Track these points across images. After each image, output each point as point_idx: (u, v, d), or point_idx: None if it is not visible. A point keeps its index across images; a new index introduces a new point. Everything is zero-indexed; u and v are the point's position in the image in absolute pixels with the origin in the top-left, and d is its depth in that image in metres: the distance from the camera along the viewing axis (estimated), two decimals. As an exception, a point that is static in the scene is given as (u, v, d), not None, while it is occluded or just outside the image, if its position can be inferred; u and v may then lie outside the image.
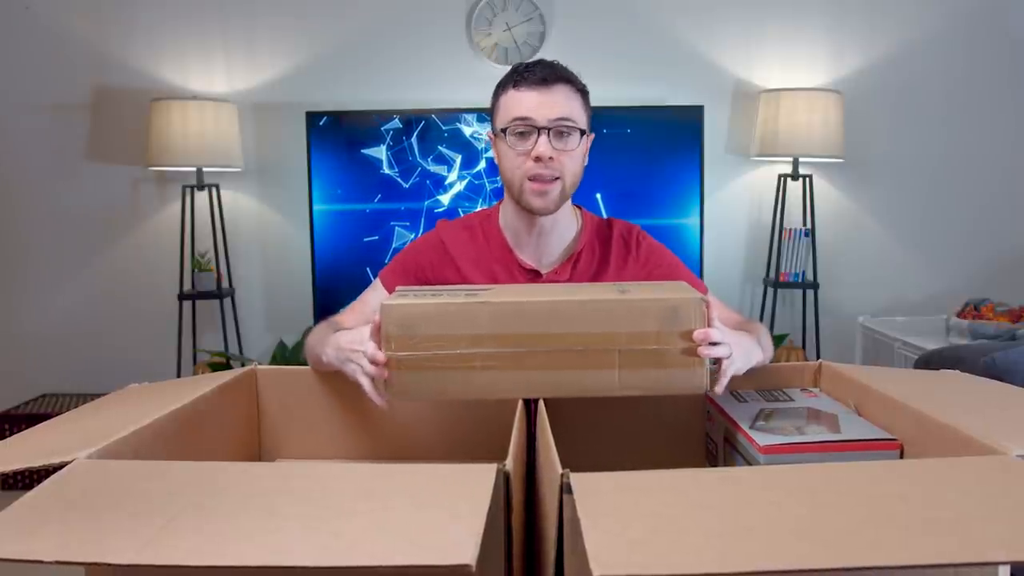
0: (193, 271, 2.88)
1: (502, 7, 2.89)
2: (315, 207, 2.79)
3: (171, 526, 0.51)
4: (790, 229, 2.86)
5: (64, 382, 3.05)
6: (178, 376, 2.84)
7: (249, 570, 0.46)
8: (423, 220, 2.78)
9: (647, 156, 2.76)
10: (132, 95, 2.92)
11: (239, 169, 2.90)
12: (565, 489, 0.54)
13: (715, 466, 0.96)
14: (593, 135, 1.30)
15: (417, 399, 0.98)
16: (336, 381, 1.04)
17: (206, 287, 2.88)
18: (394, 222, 2.79)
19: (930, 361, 1.87)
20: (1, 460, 0.65)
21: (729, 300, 3.00)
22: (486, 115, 2.82)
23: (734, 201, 3.01)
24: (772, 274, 2.90)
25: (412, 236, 2.75)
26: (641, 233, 1.36)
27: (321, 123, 2.76)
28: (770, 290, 2.93)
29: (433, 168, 2.78)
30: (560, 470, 0.56)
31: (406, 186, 2.79)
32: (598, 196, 2.70)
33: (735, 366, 0.94)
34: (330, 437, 1.04)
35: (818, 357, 2.65)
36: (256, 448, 1.05)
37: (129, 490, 0.58)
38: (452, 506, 0.53)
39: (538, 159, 1.19)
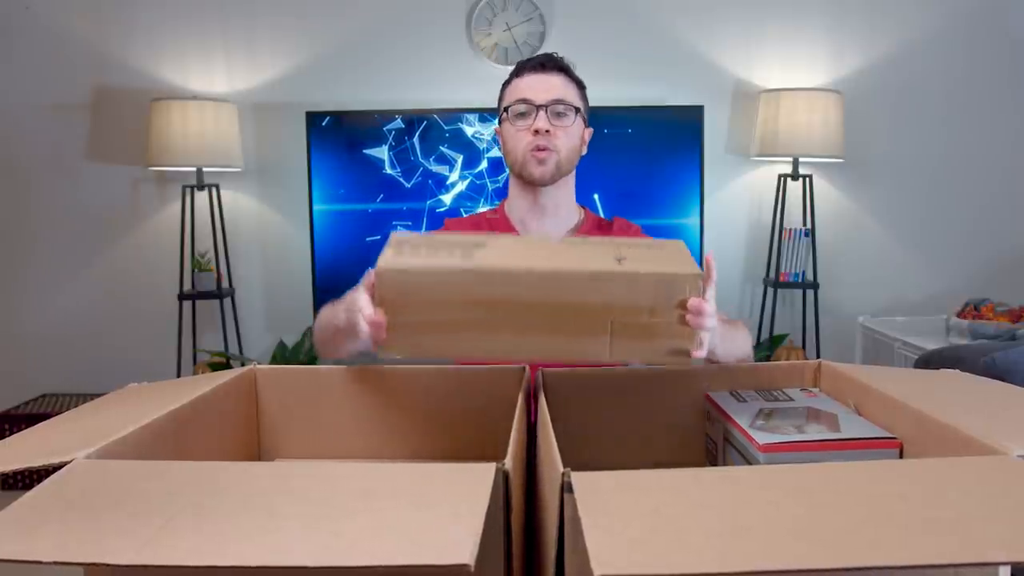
0: (193, 271, 2.88)
1: (502, 7, 2.89)
2: (315, 207, 2.79)
3: (170, 526, 0.51)
4: (790, 229, 2.86)
5: (64, 382, 3.05)
6: (178, 376, 2.84)
7: (249, 570, 0.46)
8: (425, 220, 2.78)
9: (647, 156, 2.76)
10: (132, 95, 2.92)
11: (239, 169, 2.90)
12: (566, 488, 0.54)
13: (715, 465, 0.96)
14: (592, 129, 1.41)
15: (406, 356, 0.99)
16: (336, 381, 1.04)
17: (206, 287, 2.88)
18: (396, 222, 2.79)
19: (930, 361, 1.87)
20: (1, 460, 0.65)
21: (729, 300, 3.02)
22: (488, 115, 2.84)
23: (734, 201, 3.01)
24: (772, 274, 2.90)
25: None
26: (639, 230, 1.45)
27: (324, 123, 2.76)
28: (770, 290, 2.93)
29: (435, 168, 2.78)
30: (561, 469, 0.56)
31: (408, 186, 2.79)
32: (596, 197, 2.70)
33: (714, 342, 0.96)
34: (330, 437, 1.04)
35: (818, 357, 2.65)
36: (256, 448, 1.05)
37: (128, 490, 0.58)
38: (451, 506, 0.53)
39: (536, 132, 1.31)
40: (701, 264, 0.94)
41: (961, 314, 2.54)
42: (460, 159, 2.77)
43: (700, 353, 0.93)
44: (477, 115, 2.75)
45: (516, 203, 1.42)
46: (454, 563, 0.44)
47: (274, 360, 2.95)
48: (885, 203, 3.01)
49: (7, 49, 2.96)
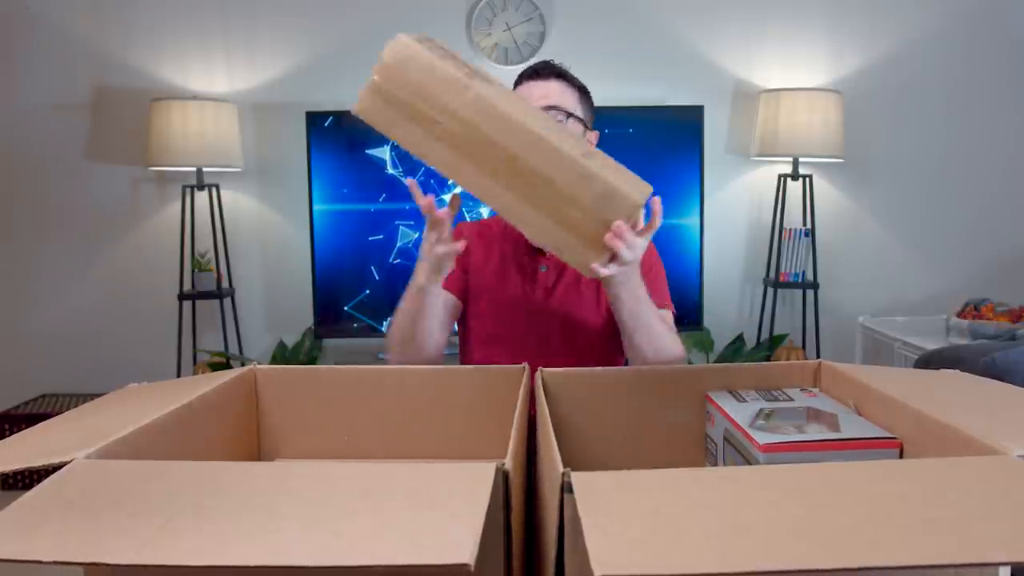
0: (193, 271, 2.88)
1: (502, 7, 2.89)
2: (315, 207, 2.79)
3: (170, 526, 0.51)
4: (790, 229, 2.86)
5: (64, 382, 3.06)
6: (178, 376, 2.84)
7: (249, 570, 0.46)
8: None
9: (647, 156, 2.76)
10: (132, 95, 2.92)
11: (239, 169, 2.90)
12: (566, 488, 0.54)
13: (715, 465, 0.96)
14: (597, 132, 1.42)
15: (371, 124, 1.05)
16: (336, 381, 1.04)
17: (206, 287, 2.88)
18: (399, 221, 2.80)
19: (930, 361, 1.87)
20: (1, 460, 0.65)
21: (729, 300, 3.02)
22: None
23: (734, 201, 3.01)
24: (772, 274, 2.90)
25: (416, 235, 2.75)
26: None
27: (326, 123, 2.76)
28: (770, 290, 2.93)
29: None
30: (561, 469, 0.56)
31: (411, 186, 2.79)
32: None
33: (622, 271, 1.04)
34: (330, 437, 1.04)
35: (818, 357, 2.65)
36: (255, 448, 1.05)
37: (128, 490, 0.58)
38: (451, 505, 0.53)
39: None
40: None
41: (961, 314, 2.54)
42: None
43: (601, 270, 1.01)
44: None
45: None
46: (454, 563, 0.44)
47: (274, 360, 2.95)
48: (885, 203, 3.01)
49: (7, 49, 2.96)
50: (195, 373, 2.86)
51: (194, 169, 2.82)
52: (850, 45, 2.94)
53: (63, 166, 2.99)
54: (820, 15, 2.93)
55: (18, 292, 3.04)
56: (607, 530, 0.47)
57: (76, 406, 0.95)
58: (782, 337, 2.91)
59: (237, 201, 3.01)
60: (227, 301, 2.97)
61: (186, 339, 2.92)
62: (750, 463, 0.82)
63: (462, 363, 1.39)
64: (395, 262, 2.79)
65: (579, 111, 1.37)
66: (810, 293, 2.92)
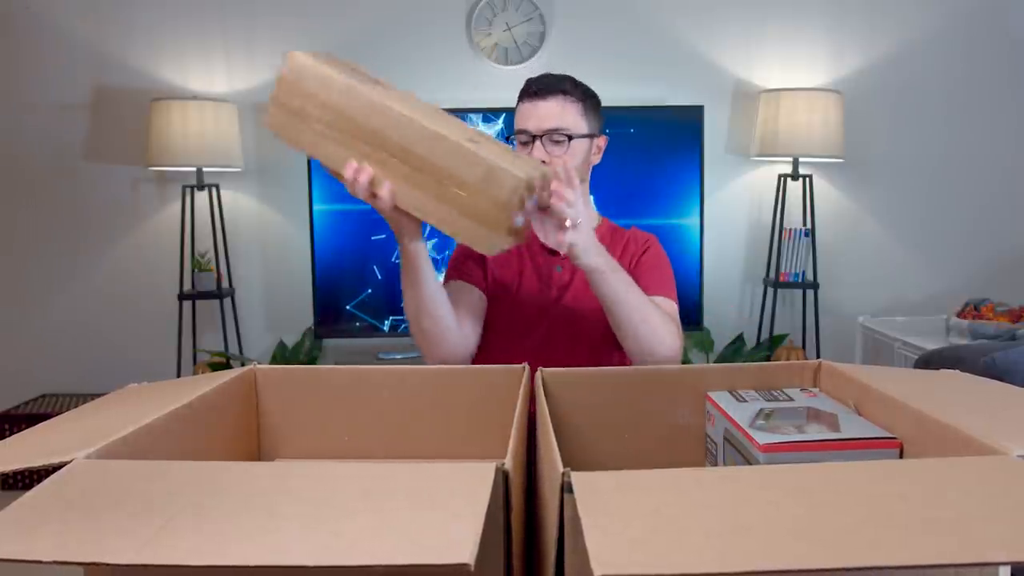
0: (193, 271, 2.88)
1: (502, 7, 2.89)
2: (315, 207, 2.79)
3: (170, 526, 0.51)
4: (790, 229, 2.86)
5: (64, 382, 3.06)
6: (178, 376, 2.84)
7: (249, 570, 0.46)
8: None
9: (647, 156, 2.76)
10: (132, 95, 2.92)
11: (239, 169, 2.90)
12: (566, 488, 0.54)
13: (715, 465, 0.96)
14: (604, 137, 1.46)
15: (283, 137, 1.12)
16: (336, 381, 1.04)
17: (206, 287, 2.88)
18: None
19: (930, 361, 1.87)
20: (1, 460, 0.65)
21: (729, 300, 3.02)
22: (491, 115, 2.84)
23: (734, 201, 3.01)
24: (772, 274, 2.90)
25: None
26: (650, 237, 1.48)
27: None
28: (770, 290, 2.93)
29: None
30: (561, 469, 0.56)
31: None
32: (591, 198, 2.68)
33: (580, 236, 1.12)
34: (330, 437, 1.04)
35: (818, 357, 2.66)
36: (256, 448, 1.05)
37: (128, 490, 0.58)
38: (451, 505, 0.53)
39: None
40: None
41: (961, 314, 2.54)
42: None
43: (556, 244, 1.10)
44: (481, 115, 2.75)
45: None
46: (454, 563, 0.44)
47: (274, 360, 2.95)
48: (885, 203, 3.01)
49: (7, 49, 2.96)
50: (195, 373, 2.86)
51: (194, 169, 2.82)
52: (850, 45, 2.94)
53: (63, 166, 2.99)
54: (820, 15, 2.93)
55: (18, 292, 3.04)
56: (607, 530, 0.47)
57: (76, 406, 0.95)
58: (782, 337, 2.91)
59: (237, 201, 3.01)
60: (227, 301, 2.97)
61: (186, 339, 2.92)
62: (750, 463, 0.82)
63: (478, 359, 1.38)
64: (397, 261, 2.79)
65: (583, 124, 1.37)
66: (810, 293, 2.92)
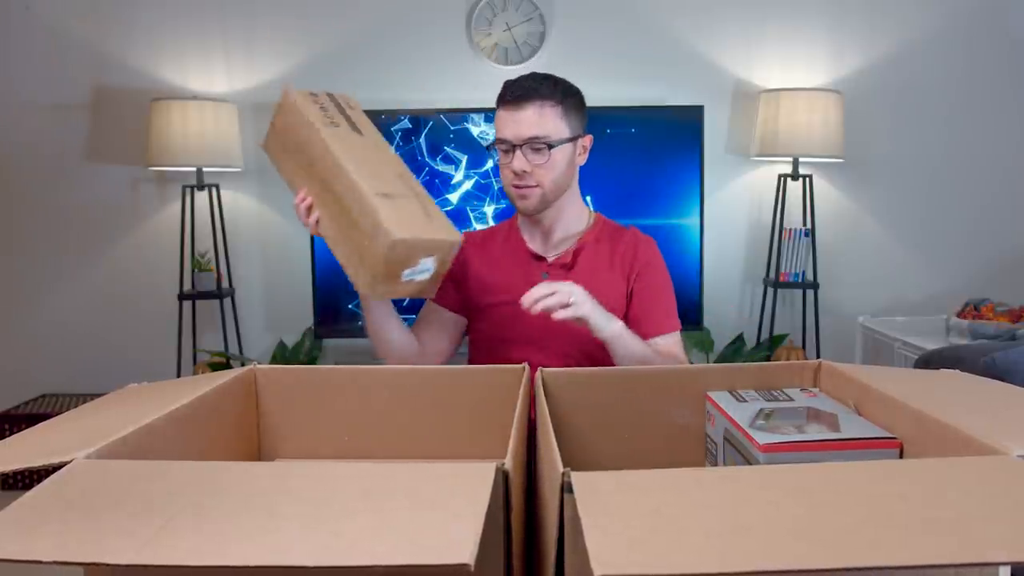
0: (193, 271, 2.88)
1: (502, 7, 2.89)
2: (315, 207, 2.78)
3: (170, 526, 0.51)
4: (790, 229, 2.86)
5: (64, 382, 3.05)
6: (178, 376, 2.84)
7: (249, 570, 0.46)
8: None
9: (647, 156, 2.76)
10: (132, 95, 2.92)
11: (239, 169, 2.90)
12: (566, 488, 0.54)
13: (715, 465, 0.96)
14: (588, 136, 1.41)
15: (271, 159, 1.34)
16: (336, 381, 1.04)
17: (206, 287, 2.88)
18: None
19: (930, 361, 1.87)
20: (1, 460, 0.65)
21: (729, 300, 3.02)
22: (492, 115, 2.83)
23: (734, 201, 3.01)
24: (772, 274, 2.90)
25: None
26: (650, 247, 1.45)
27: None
28: (770, 290, 2.93)
29: (441, 168, 2.78)
30: (561, 469, 0.56)
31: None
32: (588, 198, 2.68)
33: (583, 310, 1.18)
34: (330, 437, 1.04)
35: (818, 357, 2.66)
36: (256, 448, 1.05)
37: (128, 490, 0.58)
38: (451, 505, 0.53)
39: (515, 172, 1.35)
40: None
41: (961, 314, 2.54)
42: (465, 159, 2.77)
43: (568, 316, 1.17)
44: (483, 115, 2.75)
45: (521, 219, 1.49)
46: (454, 563, 0.44)
47: (274, 360, 2.95)
48: (885, 203, 3.01)
49: (7, 49, 2.96)
50: (195, 373, 2.86)
51: (194, 169, 2.82)
52: (850, 45, 2.94)
53: (63, 166, 2.99)
54: (820, 15, 2.93)
55: (18, 292, 3.04)
56: (607, 530, 0.47)
57: (76, 406, 0.95)
58: (782, 337, 2.91)
59: (237, 201, 3.01)
60: (227, 301, 2.97)
61: (186, 339, 2.92)
62: (750, 463, 0.82)
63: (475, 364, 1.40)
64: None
65: (563, 129, 1.34)
66: (810, 293, 2.92)
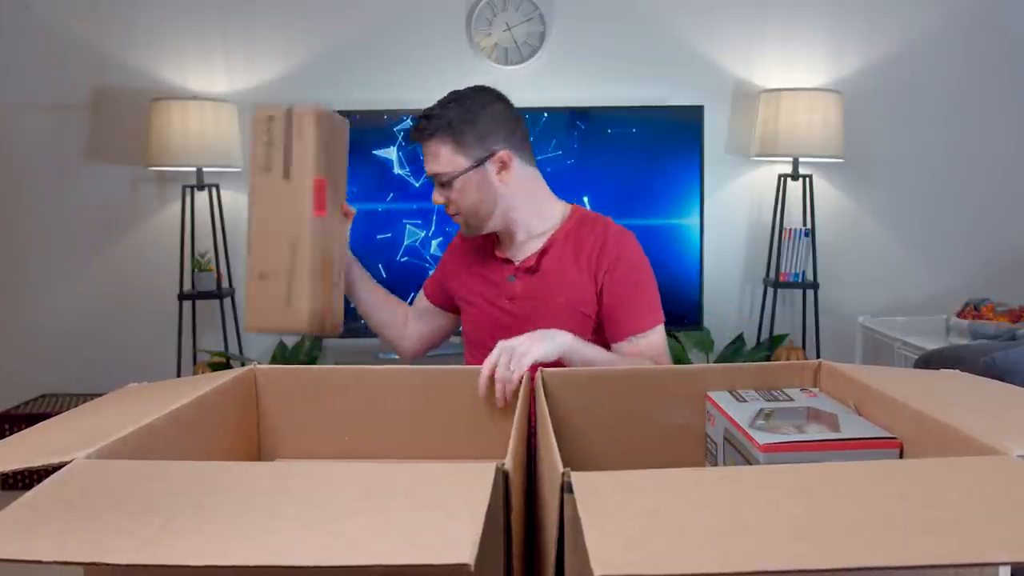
0: (193, 271, 2.88)
1: (502, 7, 2.89)
2: (315, 207, 2.78)
3: (170, 526, 0.51)
4: (790, 229, 2.86)
5: (64, 382, 3.05)
6: (178, 376, 2.84)
7: (249, 570, 0.46)
8: (435, 218, 2.78)
9: (647, 156, 2.76)
10: (132, 95, 2.92)
11: (239, 169, 2.90)
12: (566, 488, 0.54)
13: (715, 465, 0.96)
14: (501, 152, 1.34)
15: None
16: (336, 381, 1.04)
17: (206, 287, 2.88)
18: (406, 220, 2.80)
19: (930, 361, 1.87)
20: (1, 460, 0.65)
21: (729, 300, 3.02)
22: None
23: (734, 201, 3.01)
24: (772, 274, 2.90)
25: (423, 233, 2.78)
26: (623, 241, 1.39)
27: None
28: (770, 290, 2.93)
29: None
30: (561, 469, 0.56)
31: (417, 185, 2.79)
32: (586, 199, 2.69)
33: (540, 351, 1.10)
34: (330, 437, 1.04)
35: (818, 357, 2.65)
36: (256, 448, 1.05)
37: (128, 490, 0.58)
38: (451, 505, 0.53)
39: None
40: None
41: (961, 314, 2.54)
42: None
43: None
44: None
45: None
46: (454, 563, 0.44)
47: (274, 360, 2.95)
48: (885, 203, 3.01)
49: (7, 49, 2.96)
50: (195, 373, 2.86)
51: (194, 169, 2.82)
52: (850, 45, 2.94)
53: (63, 166, 2.99)
54: (820, 15, 2.93)
55: (18, 292, 3.04)
56: (607, 530, 0.47)
57: (76, 406, 0.95)
58: (782, 337, 2.91)
59: (237, 201, 3.01)
60: (227, 301, 2.97)
61: (186, 339, 2.92)
62: (750, 463, 0.82)
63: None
64: (403, 260, 2.79)
65: (459, 160, 1.32)
66: (810, 293, 2.91)
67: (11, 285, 3.04)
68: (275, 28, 2.96)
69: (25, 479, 2.44)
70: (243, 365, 1.06)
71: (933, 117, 2.96)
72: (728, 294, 3.03)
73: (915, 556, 0.45)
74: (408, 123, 2.74)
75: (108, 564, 0.46)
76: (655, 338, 1.36)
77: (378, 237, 2.79)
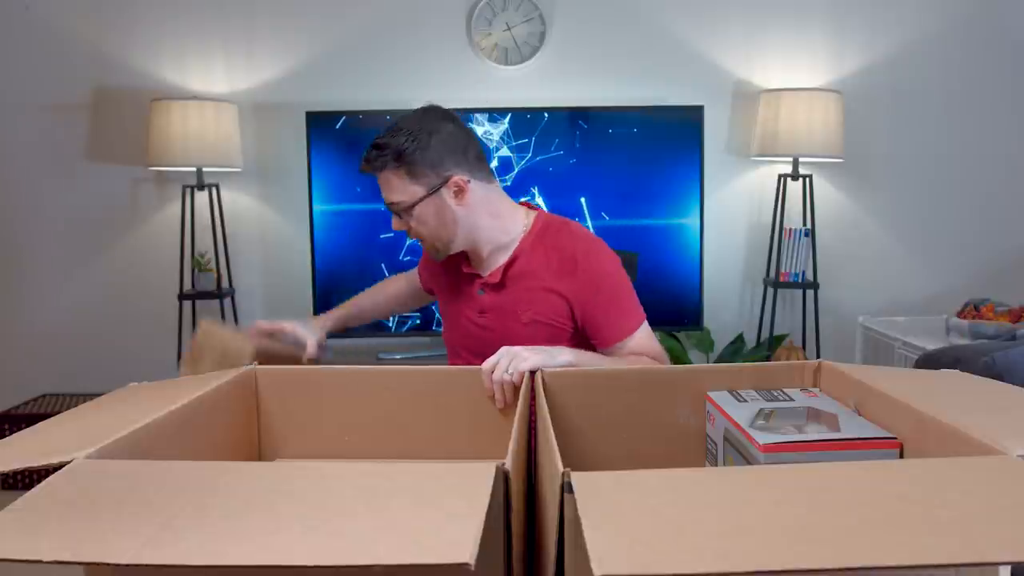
0: (193, 271, 2.88)
1: (502, 7, 2.89)
2: (315, 207, 2.79)
3: (171, 526, 0.51)
4: (790, 229, 2.86)
5: (64, 382, 3.05)
6: (178, 376, 2.83)
7: (249, 570, 0.46)
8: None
9: (647, 156, 2.76)
10: (132, 95, 2.92)
11: (239, 169, 2.90)
12: (566, 488, 0.54)
13: (715, 465, 0.96)
14: (454, 178, 1.32)
15: None
16: (336, 381, 1.04)
17: (206, 287, 2.88)
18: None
19: (930, 361, 1.86)
20: (1, 460, 0.65)
21: (729, 300, 3.02)
22: (496, 115, 2.83)
23: (734, 201, 3.01)
24: (772, 274, 2.90)
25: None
26: (590, 252, 1.37)
27: (327, 124, 2.76)
28: (770, 290, 2.93)
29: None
30: (561, 469, 0.56)
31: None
32: (583, 200, 2.69)
33: (530, 362, 1.05)
34: (330, 437, 1.04)
35: (818, 357, 2.65)
36: (256, 448, 1.05)
37: (129, 490, 0.58)
38: (451, 505, 0.53)
39: None
40: None
41: (961, 314, 2.54)
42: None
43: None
44: (485, 115, 2.75)
45: None
46: (454, 562, 0.44)
47: (274, 360, 2.95)
48: (885, 203, 3.01)
49: (7, 49, 2.96)
50: (195, 373, 2.86)
51: (194, 169, 2.82)
52: (850, 45, 2.94)
53: (63, 166, 2.99)
54: (820, 15, 2.93)
55: (18, 292, 3.04)
56: (607, 530, 0.48)
57: (76, 406, 0.95)
58: (782, 337, 2.91)
59: (237, 201, 3.01)
60: (227, 301, 2.97)
61: (186, 339, 2.92)
62: (750, 463, 0.82)
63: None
64: (405, 260, 2.80)
65: (413, 189, 1.30)
66: (810, 293, 2.92)
67: (11, 285, 3.04)
68: (275, 28, 2.96)
69: (25, 479, 2.44)
70: (243, 365, 1.06)
71: (933, 117, 2.96)
72: (728, 294, 3.03)
73: (915, 556, 0.45)
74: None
75: (108, 564, 0.46)
76: (641, 336, 1.36)
77: (380, 237, 2.79)
